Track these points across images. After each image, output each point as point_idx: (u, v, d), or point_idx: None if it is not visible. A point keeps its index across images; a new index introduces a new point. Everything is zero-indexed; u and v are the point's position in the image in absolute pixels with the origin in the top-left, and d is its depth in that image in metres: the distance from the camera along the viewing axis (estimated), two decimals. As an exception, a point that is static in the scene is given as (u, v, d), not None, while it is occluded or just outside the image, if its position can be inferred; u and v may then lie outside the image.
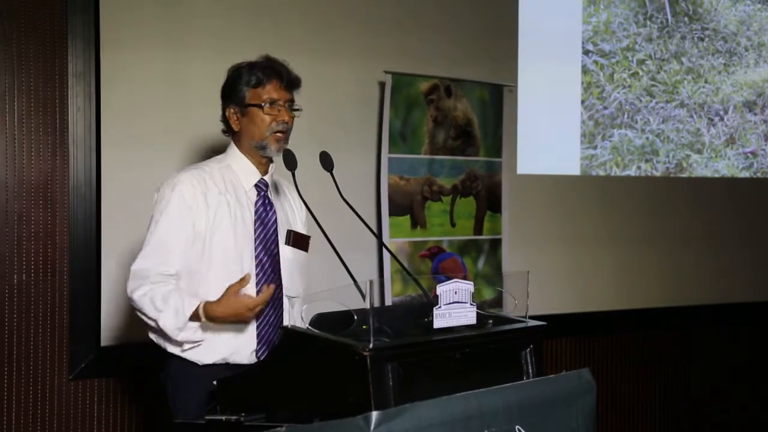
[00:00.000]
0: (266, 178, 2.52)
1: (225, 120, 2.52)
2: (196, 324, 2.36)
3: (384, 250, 3.61)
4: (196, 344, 2.38)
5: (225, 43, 3.43)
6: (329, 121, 3.71)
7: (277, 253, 2.48)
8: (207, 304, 2.34)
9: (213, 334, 2.39)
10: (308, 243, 2.58)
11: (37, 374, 3.26)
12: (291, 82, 2.48)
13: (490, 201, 4.00)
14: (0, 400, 3.21)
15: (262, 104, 2.43)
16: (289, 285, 2.50)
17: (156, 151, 3.34)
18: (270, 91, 2.44)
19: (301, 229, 2.60)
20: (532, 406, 1.92)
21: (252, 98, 2.44)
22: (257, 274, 2.44)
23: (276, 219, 2.50)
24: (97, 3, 3.29)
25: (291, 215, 2.59)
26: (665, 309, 4.68)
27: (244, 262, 2.42)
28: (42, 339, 3.27)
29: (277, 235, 2.49)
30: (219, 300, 2.34)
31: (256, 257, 2.44)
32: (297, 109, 2.49)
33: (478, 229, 3.96)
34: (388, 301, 3.56)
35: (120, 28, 3.33)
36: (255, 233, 2.45)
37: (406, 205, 3.74)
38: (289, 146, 2.49)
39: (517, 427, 1.87)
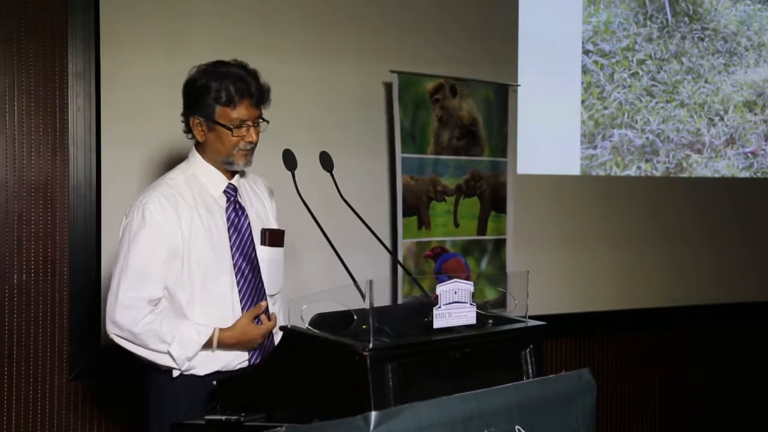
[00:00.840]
0: (233, 182, 2.47)
1: (187, 125, 2.43)
2: (201, 351, 2.33)
3: (394, 250, 3.60)
4: (189, 370, 2.35)
5: (226, 44, 3.43)
6: (332, 121, 3.71)
7: (255, 256, 2.45)
8: (222, 332, 2.32)
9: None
10: (283, 237, 2.52)
11: (37, 374, 3.26)
12: (261, 99, 2.39)
13: (494, 201, 3.99)
14: (0, 400, 3.22)
15: (232, 126, 2.34)
16: (269, 284, 2.47)
17: (156, 151, 3.34)
18: (240, 111, 2.34)
19: (273, 223, 2.56)
20: (532, 406, 1.92)
21: (221, 117, 2.34)
22: (238, 282, 2.40)
23: (249, 223, 2.45)
24: (97, 3, 3.29)
25: (263, 211, 2.54)
26: (665, 309, 4.68)
27: (224, 272, 2.39)
28: (42, 339, 3.27)
29: (252, 239, 2.45)
30: (234, 327, 2.34)
31: (235, 265, 2.39)
32: (264, 121, 2.41)
33: (481, 230, 3.95)
34: (401, 301, 3.55)
35: (120, 28, 3.33)
36: (230, 241, 2.40)
37: (415, 206, 3.72)
38: (290, 146, 2.48)
39: (517, 427, 1.87)
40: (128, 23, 3.34)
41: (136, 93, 3.34)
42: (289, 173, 2.43)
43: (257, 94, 2.38)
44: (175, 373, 2.35)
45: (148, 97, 3.35)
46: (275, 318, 2.39)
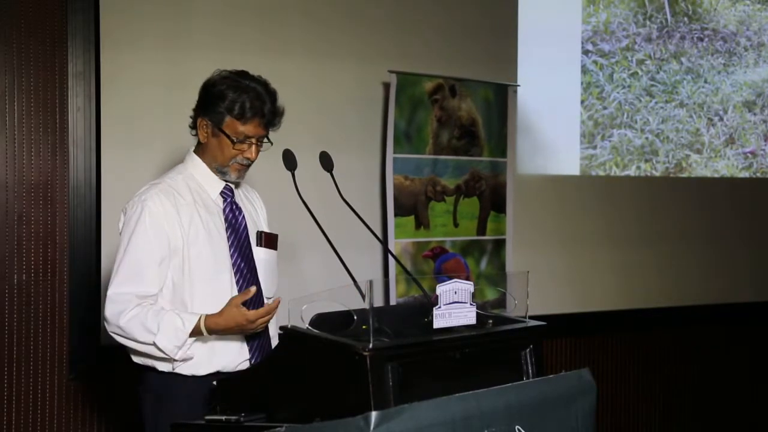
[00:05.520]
0: (230, 183, 2.49)
1: (195, 122, 2.45)
2: (191, 339, 2.31)
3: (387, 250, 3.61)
4: (187, 360, 2.33)
5: (226, 44, 3.43)
6: (331, 121, 3.71)
7: (252, 257, 2.47)
8: (209, 317, 2.29)
9: (206, 349, 2.35)
10: (277, 241, 2.56)
11: (37, 374, 3.26)
12: (272, 122, 2.41)
13: (493, 201, 3.99)
14: (0, 400, 3.22)
15: (235, 139, 2.36)
16: (265, 286, 2.48)
17: (156, 152, 3.34)
18: (248, 128, 2.36)
19: (265, 227, 2.59)
20: (532, 406, 1.92)
21: (228, 127, 2.36)
22: (237, 281, 2.41)
23: (246, 223, 2.48)
24: (97, 3, 3.29)
25: (255, 215, 2.57)
26: (665, 309, 4.69)
27: (223, 270, 2.40)
28: (42, 339, 3.27)
29: (249, 239, 2.47)
30: (221, 312, 2.29)
31: (233, 264, 2.41)
32: (268, 142, 2.44)
33: (481, 230, 3.96)
34: (393, 302, 3.55)
35: (120, 28, 3.33)
36: (228, 240, 2.42)
37: (411, 206, 3.73)
38: (290, 146, 2.48)
39: (517, 427, 1.87)
40: (128, 23, 3.34)
41: (136, 93, 3.34)
42: (289, 173, 2.44)
43: (269, 116, 2.39)
44: (167, 367, 2.33)
45: (148, 98, 3.35)
46: (274, 305, 2.31)
